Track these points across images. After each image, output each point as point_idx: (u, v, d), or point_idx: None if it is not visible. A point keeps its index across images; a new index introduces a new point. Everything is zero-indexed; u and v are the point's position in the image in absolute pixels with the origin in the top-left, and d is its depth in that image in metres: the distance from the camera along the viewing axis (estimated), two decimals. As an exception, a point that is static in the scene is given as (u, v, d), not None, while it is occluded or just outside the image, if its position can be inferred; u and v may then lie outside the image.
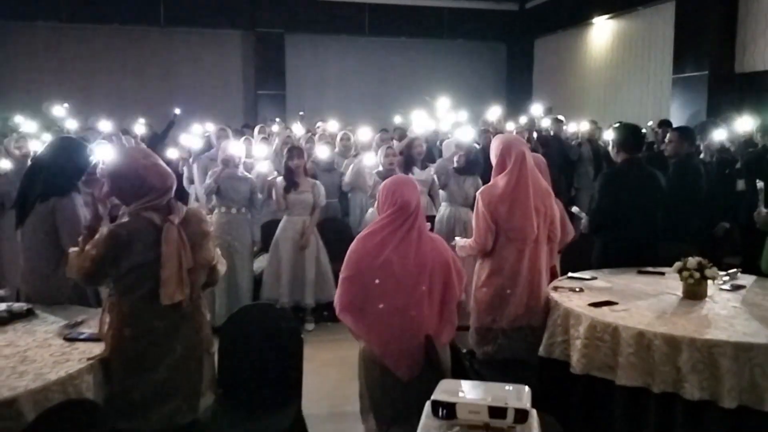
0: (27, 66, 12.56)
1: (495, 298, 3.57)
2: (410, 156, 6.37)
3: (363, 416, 3.01)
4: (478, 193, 3.64)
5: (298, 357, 3.09)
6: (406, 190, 2.94)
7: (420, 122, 8.18)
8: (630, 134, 4.38)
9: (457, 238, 3.93)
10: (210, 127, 8.26)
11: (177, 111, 10.46)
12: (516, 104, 14.29)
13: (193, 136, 7.05)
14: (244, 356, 3.09)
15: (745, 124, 6.55)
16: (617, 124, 5.52)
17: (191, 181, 6.81)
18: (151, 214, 2.53)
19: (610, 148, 4.57)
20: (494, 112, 9.39)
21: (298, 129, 8.77)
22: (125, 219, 2.56)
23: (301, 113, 10.83)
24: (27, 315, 3.12)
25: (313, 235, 5.48)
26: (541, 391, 3.30)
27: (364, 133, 6.58)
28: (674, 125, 8.64)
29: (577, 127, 8.96)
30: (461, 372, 2.92)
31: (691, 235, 4.85)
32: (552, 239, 3.67)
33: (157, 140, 9.88)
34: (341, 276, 2.92)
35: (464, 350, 3.52)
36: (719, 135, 5.76)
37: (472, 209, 5.63)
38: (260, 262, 5.63)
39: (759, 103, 8.81)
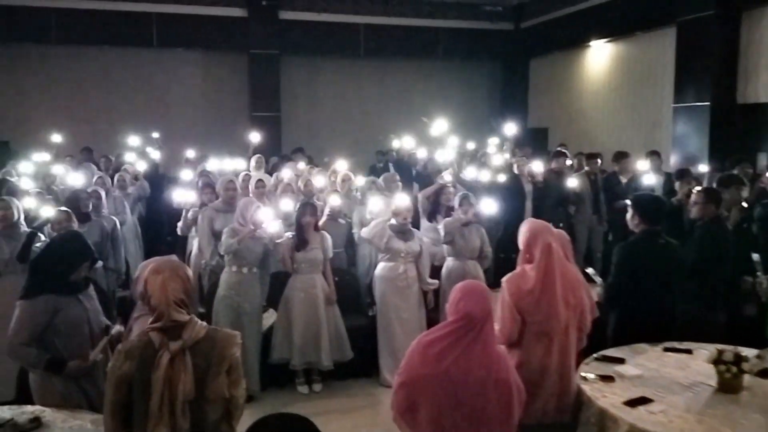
0: (15, 88, 12.23)
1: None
2: (437, 203, 6.24)
3: None
4: (503, 282, 3.48)
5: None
6: (471, 299, 2.80)
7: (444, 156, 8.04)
8: (652, 206, 4.29)
9: None
10: (212, 164, 8.04)
11: (155, 135, 10.24)
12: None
13: (187, 191, 6.52)
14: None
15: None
16: (638, 193, 5.32)
17: (186, 230, 6.39)
18: (153, 334, 2.43)
19: (628, 214, 4.39)
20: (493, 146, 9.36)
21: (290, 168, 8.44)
22: (132, 337, 2.55)
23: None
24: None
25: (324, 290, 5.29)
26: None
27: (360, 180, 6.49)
28: (676, 155, 8.61)
29: (574, 162, 8.77)
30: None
31: (719, 297, 4.69)
32: (582, 329, 3.51)
33: (157, 177, 9.58)
34: (397, 379, 2.83)
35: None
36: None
37: (478, 260, 5.56)
38: (266, 319, 5.45)
39: (761, 136, 8.80)
